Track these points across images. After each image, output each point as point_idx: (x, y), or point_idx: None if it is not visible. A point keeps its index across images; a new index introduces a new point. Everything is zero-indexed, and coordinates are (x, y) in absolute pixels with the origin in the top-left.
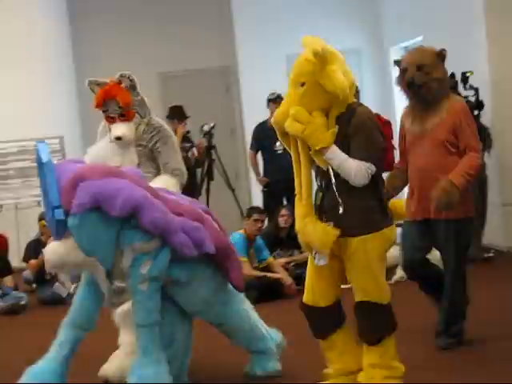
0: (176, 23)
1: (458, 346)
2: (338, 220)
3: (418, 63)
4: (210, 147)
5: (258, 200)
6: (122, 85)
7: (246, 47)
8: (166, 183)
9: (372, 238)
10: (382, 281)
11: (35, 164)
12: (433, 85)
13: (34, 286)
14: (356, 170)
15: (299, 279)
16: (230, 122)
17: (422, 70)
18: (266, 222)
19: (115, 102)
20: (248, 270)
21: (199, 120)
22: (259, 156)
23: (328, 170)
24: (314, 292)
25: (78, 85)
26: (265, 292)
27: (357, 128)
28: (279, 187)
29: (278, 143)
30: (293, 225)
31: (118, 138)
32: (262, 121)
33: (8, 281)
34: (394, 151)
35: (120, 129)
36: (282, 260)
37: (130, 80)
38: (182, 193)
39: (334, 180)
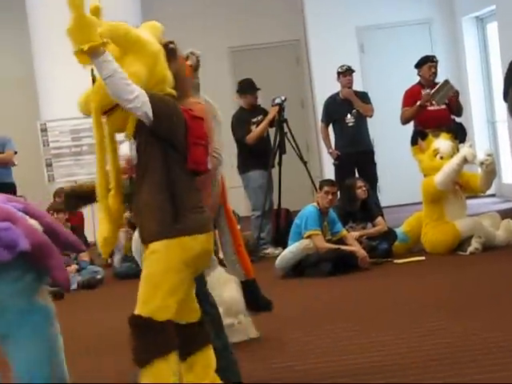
0: None
1: None
2: (137, 220)
3: None
4: (282, 120)
5: (329, 173)
6: (189, 62)
7: (315, 20)
8: None
9: (163, 245)
10: (164, 296)
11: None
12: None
13: (110, 260)
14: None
15: (373, 252)
16: (300, 95)
17: None
18: (338, 195)
19: None
20: (321, 242)
21: (269, 94)
22: (330, 129)
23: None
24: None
25: None
26: (339, 265)
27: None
28: (350, 160)
29: (349, 116)
30: (364, 198)
31: None
32: (332, 94)
33: (84, 255)
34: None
35: None
36: (356, 233)
37: (198, 60)
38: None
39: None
